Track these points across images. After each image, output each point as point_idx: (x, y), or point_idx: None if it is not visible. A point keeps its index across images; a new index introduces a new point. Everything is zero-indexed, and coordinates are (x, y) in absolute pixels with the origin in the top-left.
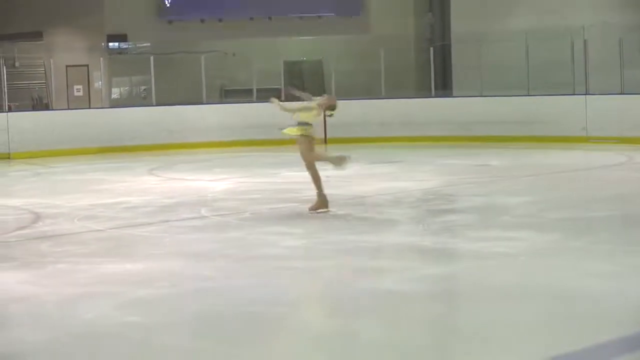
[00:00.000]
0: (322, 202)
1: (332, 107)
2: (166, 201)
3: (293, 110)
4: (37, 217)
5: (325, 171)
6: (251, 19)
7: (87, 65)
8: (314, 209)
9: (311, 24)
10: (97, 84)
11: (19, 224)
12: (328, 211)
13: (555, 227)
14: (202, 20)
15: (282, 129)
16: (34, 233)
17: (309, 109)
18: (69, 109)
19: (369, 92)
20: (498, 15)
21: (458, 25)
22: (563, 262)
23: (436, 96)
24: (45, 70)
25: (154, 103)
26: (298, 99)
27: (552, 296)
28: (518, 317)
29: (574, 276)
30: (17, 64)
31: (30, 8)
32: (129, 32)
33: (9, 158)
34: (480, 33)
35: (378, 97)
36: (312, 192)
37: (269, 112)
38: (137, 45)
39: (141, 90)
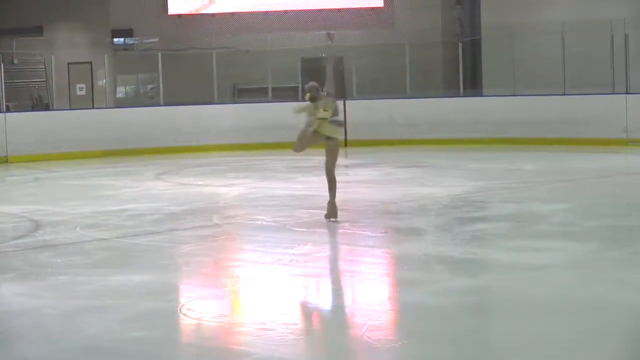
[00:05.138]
0: (332, 210)
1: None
2: (175, 208)
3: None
4: (37, 225)
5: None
6: (266, 12)
7: (91, 62)
8: (328, 216)
9: (331, 18)
10: (101, 82)
11: (16, 233)
12: (337, 221)
13: (593, 236)
14: (213, 15)
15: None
16: (33, 242)
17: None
18: (70, 109)
19: (393, 90)
20: (532, 7)
21: (489, 19)
22: (602, 274)
23: (465, 95)
24: (45, 68)
25: (162, 103)
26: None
27: (590, 310)
28: (554, 333)
29: (614, 289)
30: (15, 61)
31: (29, 1)
32: (135, 27)
33: (6, 162)
34: (513, 27)
35: (403, 96)
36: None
37: (286, 112)
38: (144, 40)
39: (148, 89)
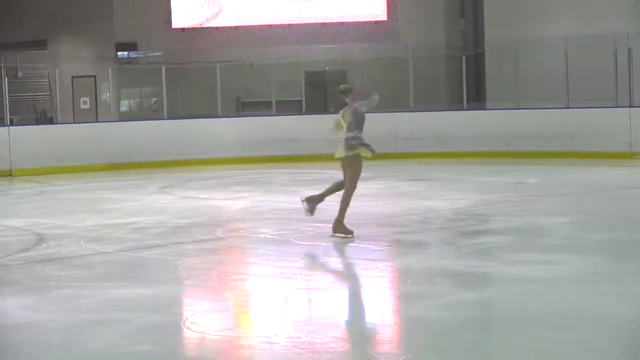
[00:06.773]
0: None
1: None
2: (179, 221)
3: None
4: (41, 239)
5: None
6: (270, 26)
7: (95, 76)
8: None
9: (334, 31)
10: (105, 95)
11: (21, 246)
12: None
13: (597, 250)
14: (217, 28)
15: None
16: (37, 255)
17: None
18: (74, 122)
19: (396, 104)
20: (535, 21)
21: (492, 32)
22: (606, 288)
23: (469, 109)
24: (49, 81)
25: (166, 116)
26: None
27: (594, 324)
28: (557, 347)
29: (617, 303)
30: (19, 75)
31: (33, 14)
32: (139, 41)
33: (10, 175)
34: (516, 40)
35: (406, 109)
36: (334, 212)
37: (289, 126)
38: (148, 54)
39: (152, 103)
